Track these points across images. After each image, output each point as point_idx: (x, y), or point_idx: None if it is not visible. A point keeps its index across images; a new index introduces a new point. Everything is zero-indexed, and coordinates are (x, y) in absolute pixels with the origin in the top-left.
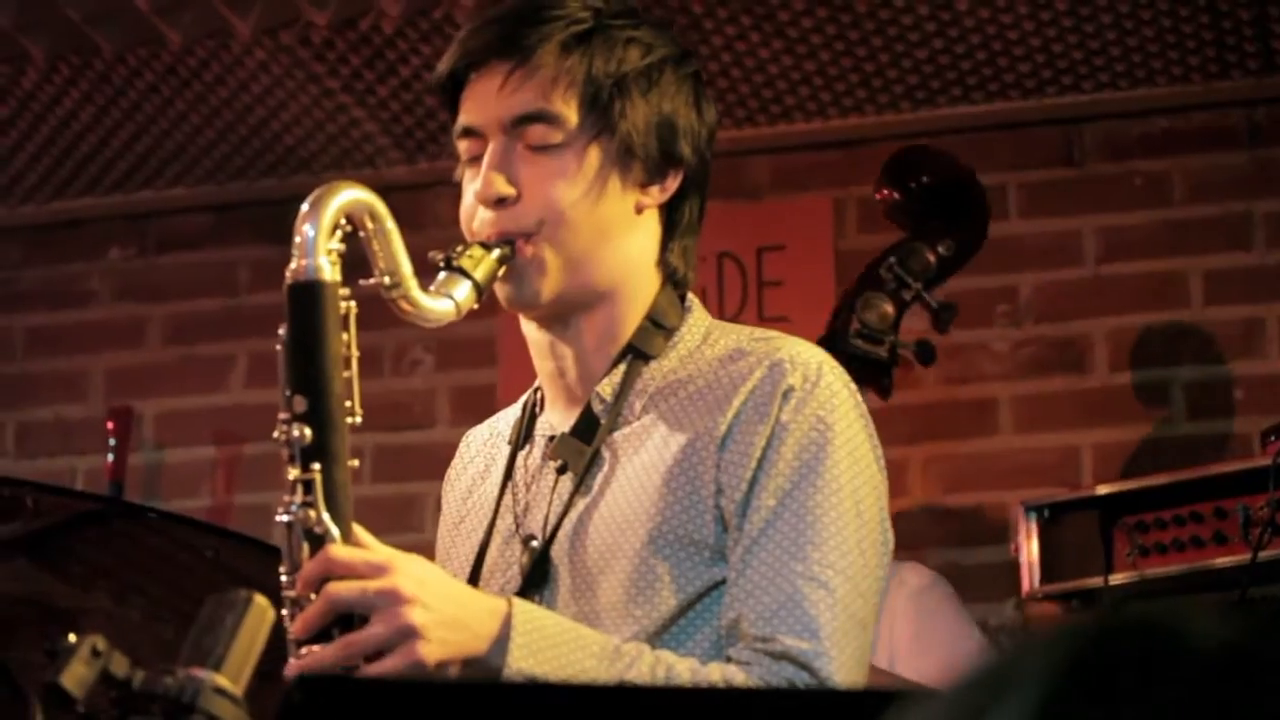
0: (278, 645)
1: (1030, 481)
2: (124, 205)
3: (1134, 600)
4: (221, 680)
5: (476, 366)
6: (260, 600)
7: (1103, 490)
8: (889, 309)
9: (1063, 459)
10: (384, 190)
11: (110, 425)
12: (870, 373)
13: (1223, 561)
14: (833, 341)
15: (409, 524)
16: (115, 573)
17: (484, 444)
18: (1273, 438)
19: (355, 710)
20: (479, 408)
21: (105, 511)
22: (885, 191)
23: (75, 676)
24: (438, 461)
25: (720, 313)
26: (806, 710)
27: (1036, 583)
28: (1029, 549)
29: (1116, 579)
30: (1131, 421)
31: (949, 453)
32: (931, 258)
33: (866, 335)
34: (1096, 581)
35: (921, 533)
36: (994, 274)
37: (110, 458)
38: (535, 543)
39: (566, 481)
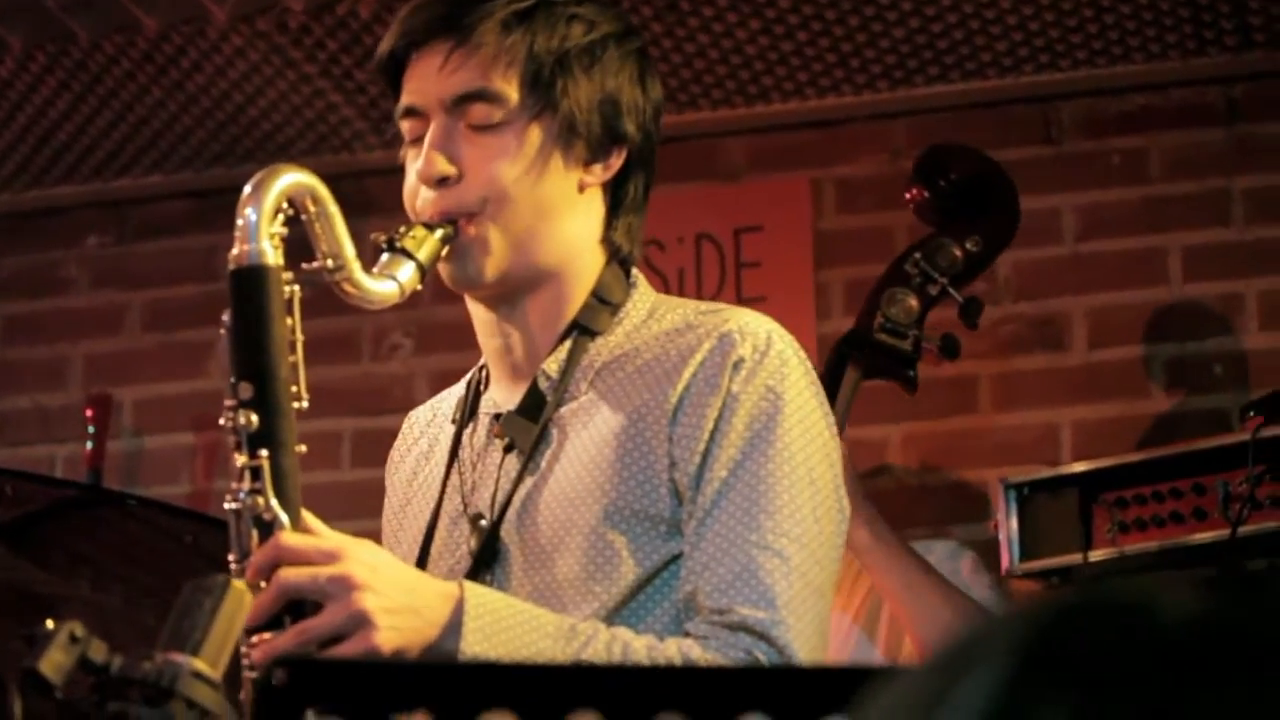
0: None
1: (1009, 459)
2: (102, 192)
3: (1103, 576)
4: (200, 665)
5: (455, 350)
6: (238, 584)
7: (1082, 467)
8: (914, 303)
9: (1042, 436)
10: (361, 175)
11: (89, 412)
12: (894, 366)
13: (1202, 537)
14: (857, 335)
15: None
16: (95, 559)
17: (427, 425)
18: (1252, 413)
19: (330, 692)
20: None
21: (85, 499)
22: (914, 191)
23: (53, 663)
24: None
25: (698, 294)
26: (762, 687)
27: (1016, 560)
28: (1008, 526)
29: (1096, 556)
30: (1111, 398)
31: (928, 431)
32: (958, 253)
33: (890, 329)
34: (1076, 559)
35: (901, 511)
36: None
37: (89, 445)
38: (484, 522)
39: (513, 460)
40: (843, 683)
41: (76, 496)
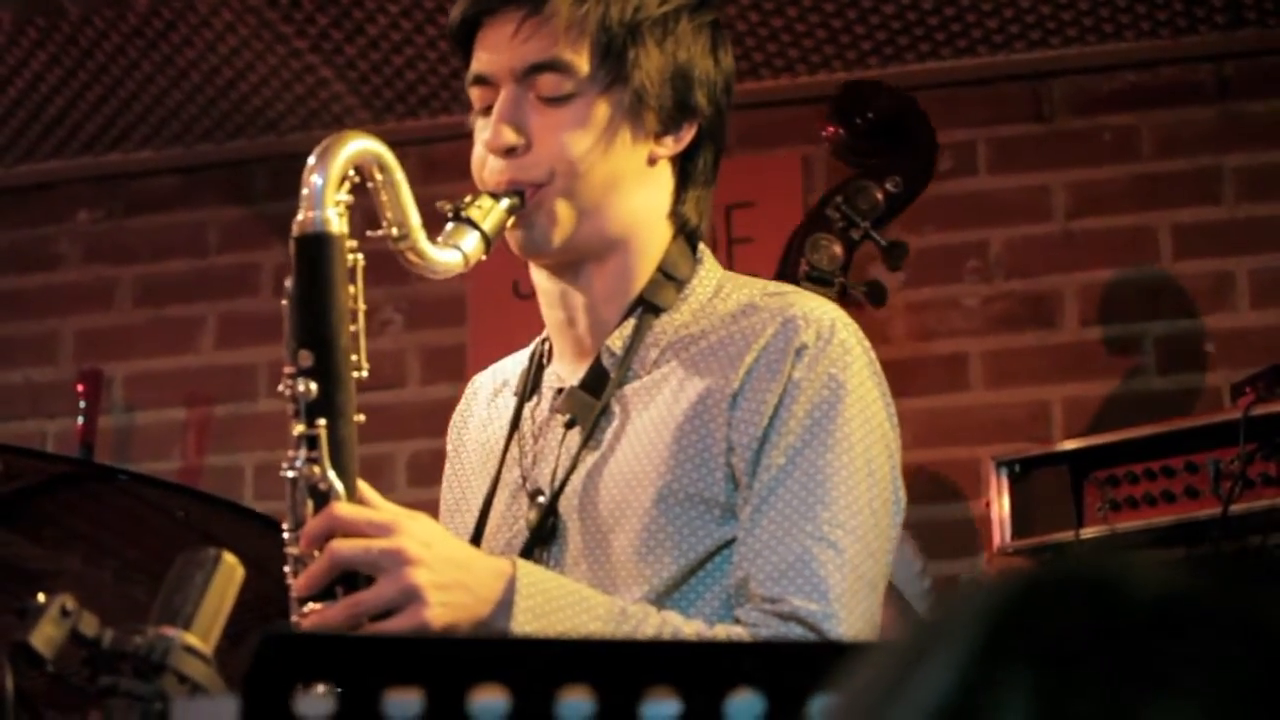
0: (247, 606)
1: (1001, 436)
2: (92, 167)
3: (1071, 553)
4: (191, 639)
5: (446, 326)
6: (229, 559)
7: (1073, 445)
8: (837, 249)
9: (1033, 414)
10: None
11: (80, 388)
12: None
13: (1194, 515)
14: None
15: (381, 484)
16: (86, 535)
17: (491, 393)
18: (1244, 391)
19: (327, 668)
20: (449, 367)
21: (76, 474)
22: (831, 129)
23: (44, 636)
24: (408, 421)
25: None
26: (754, 662)
27: (1008, 538)
28: (1000, 504)
29: (1088, 534)
30: (1102, 376)
31: (920, 408)
32: (879, 195)
33: (815, 277)
34: (1068, 536)
35: None
36: (964, 229)
37: (80, 420)
38: (542, 498)
39: (575, 436)
40: (833, 659)
41: (68, 472)
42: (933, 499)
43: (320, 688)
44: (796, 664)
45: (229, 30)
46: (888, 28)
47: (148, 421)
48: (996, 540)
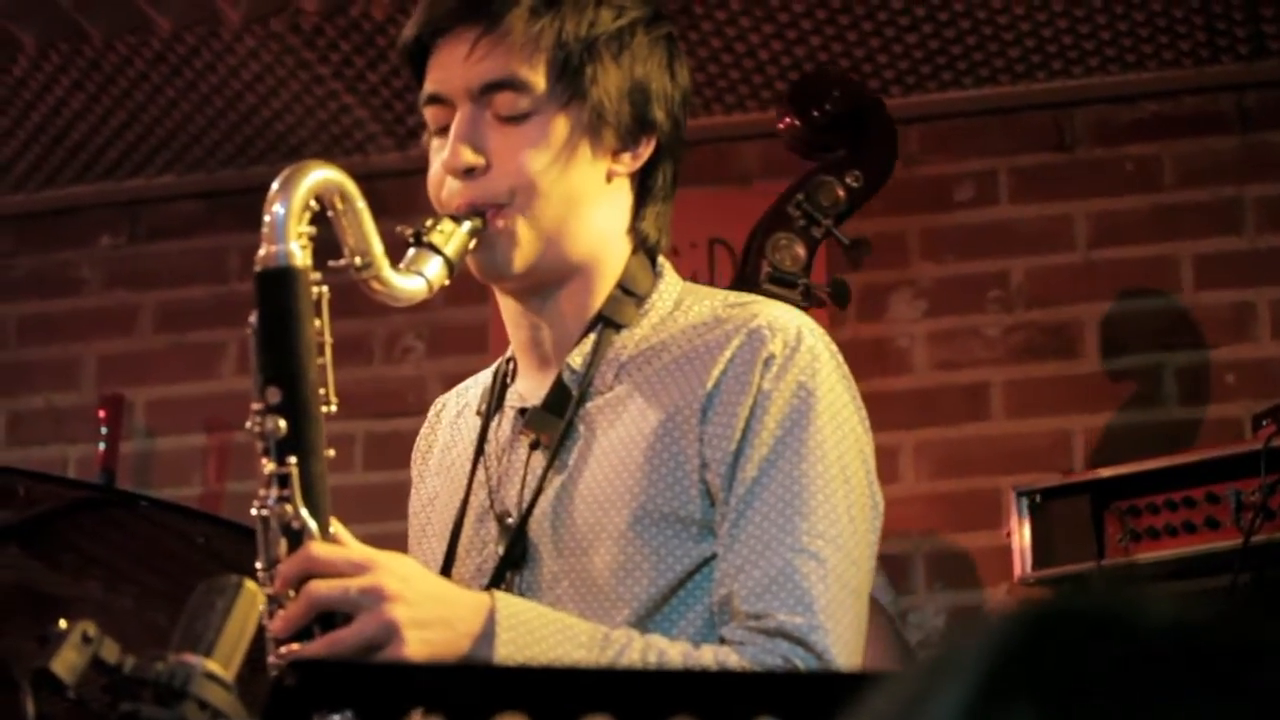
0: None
1: (1022, 466)
2: (115, 193)
3: (1081, 585)
4: (212, 665)
5: (468, 353)
6: (250, 585)
7: (1095, 475)
8: (800, 250)
9: (1054, 444)
10: (374, 177)
11: (102, 413)
12: None
13: (1215, 546)
14: (743, 287)
15: (400, 512)
16: (107, 561)
17: (454, 415)
18: (1264, 422)
19: (346, 695)
20: None
21: (97, 499)
22: (787, 120)
23: (66, 662)
24: None
25: None
26: (773, 690)
27: (1028, 568)
28: (1021, 534)
29: (1108, 564)
30: (1123, 406)
31: (941, 438)
32: (841, 191)
33: (778, 279)
34: (1088, 567)
35: (914, 518)
36: (985, 259)
37: (102, 446)
38: (510, 520)
39: (539, 456)
40: (852, 687)
41: (89, 497)
42: (953, 528)
43: (340, 715)
44: (815, 692)
45: (252, 56)
46: (910, 57)
47: (169, 447)
48: (1017, 570)
